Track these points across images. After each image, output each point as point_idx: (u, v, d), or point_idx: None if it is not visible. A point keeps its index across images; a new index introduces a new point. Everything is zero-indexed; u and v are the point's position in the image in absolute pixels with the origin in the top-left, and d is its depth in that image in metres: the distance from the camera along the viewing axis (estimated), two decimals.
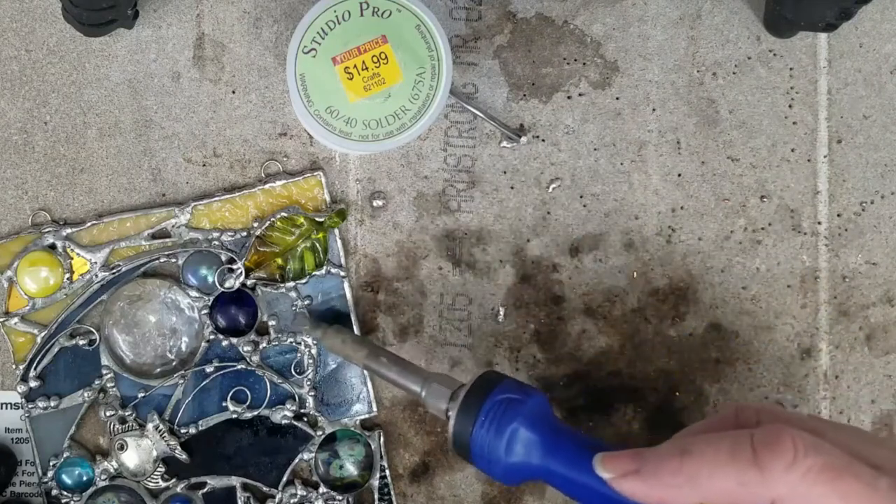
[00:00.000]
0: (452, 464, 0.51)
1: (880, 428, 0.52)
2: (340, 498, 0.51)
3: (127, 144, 0.51)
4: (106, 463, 0.50)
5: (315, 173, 0.51)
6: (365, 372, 0.51)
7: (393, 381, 0.46)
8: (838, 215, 0.52)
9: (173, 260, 0.50)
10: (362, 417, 0.51)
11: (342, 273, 0.51)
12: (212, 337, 0.50)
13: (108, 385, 0.50)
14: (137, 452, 0.50)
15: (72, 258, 0.50)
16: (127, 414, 0.50)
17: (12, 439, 0.51)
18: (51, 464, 0.50)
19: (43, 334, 0.50)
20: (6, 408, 0.51)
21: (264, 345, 0.50)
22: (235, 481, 0.50)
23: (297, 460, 0.51)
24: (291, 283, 0.50)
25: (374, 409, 0.51)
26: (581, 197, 0.52)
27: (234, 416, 0.50)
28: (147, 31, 0.51)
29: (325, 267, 0.50)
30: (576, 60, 0.52)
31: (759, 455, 0.36)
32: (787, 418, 0.40)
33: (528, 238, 0.51)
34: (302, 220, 0.50)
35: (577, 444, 0.41)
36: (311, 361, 0.51)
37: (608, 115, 0.52)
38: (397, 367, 0.46)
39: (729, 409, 0.41)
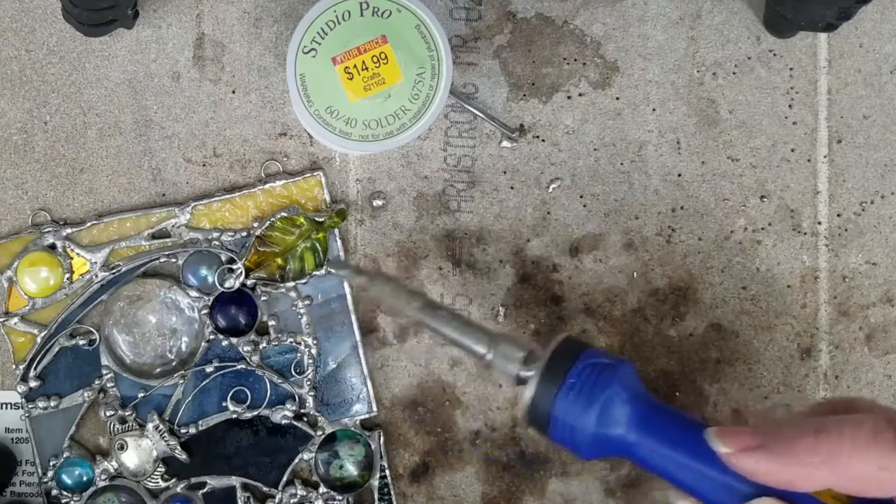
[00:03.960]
0: (452, 464, 0.51)
1: None
2: (340, 498, 0.51)
3: (127, 144, 0.51)
4: (106, 463, 0.50)
5: (315, 173, 0.51)
6: (365, 371, 0.51)
7: (451, 340, 0.42)
8: (838, 215, 0.52)
9: (173, 260, 0.50)
10: (362, 417, 0.51)
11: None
12: (212, 337, 0.50)
13: (108, 385, 0.50)
14: (137, 452, 0.50)
15: (72, 258, 0.50)
16: (127, 414, 0.50)
17: (12, 439, 0.51)
18: (51, 464, 0.50)
19: (43, 334, 0.50)
20: (6, 408, 0.51)
21: (264, 345, 0.50)
22: (235, 481, 0.50)
23: (297, 460, 0.51)
24: (291, 283, 0.50)
25: (374, 409, 0.51)
26: (581, 197, 0.52)
27: (234, 416, 0.50)
28: (147, 31, 0.51)
29: (325, 267, 0.50)
30: (576, 60, 0.52)
31: None
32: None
33: (528, 238, 0.51)
34: (302, 220, 0.50)
35: (679, 419, 0.39)
36: (311, 361, 0.51)
37: (608, 115, 0.52)
38: (458, 324, 0.42)
39: (839, 400, 0.39)
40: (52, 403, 0.50)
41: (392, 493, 0.51)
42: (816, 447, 0.35)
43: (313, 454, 0.51)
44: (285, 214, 0.50)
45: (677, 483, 0.38)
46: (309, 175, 0.51)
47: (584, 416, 0.38)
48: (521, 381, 0.40)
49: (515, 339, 0.41)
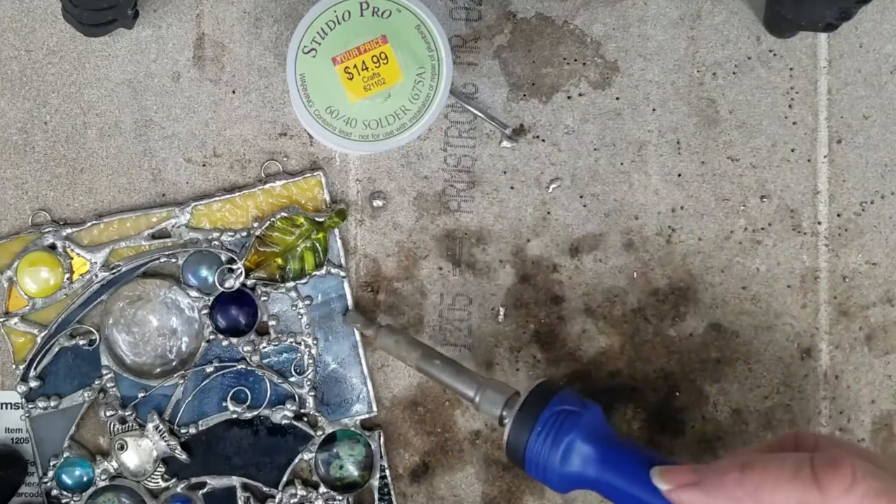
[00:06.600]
0: (452, 464, 0.51)
1: (880, 428, 0.52)
2: (340, 498, 0.51)
3: (127, 144, 0.51)
4: (106, 463, 0.50)
5: (315, 173, 0.51)
6: (365, 371, 0.51)
7: (446, 385, 0.47)
8: (838, 215, 0.52)
9: (173, 260, 0.50)
10: (362, 417, 0.51)
11: (342, 273, 0.51)
12: (212, 337, 0.50)
13: (108, 385, 0.50)
14: (137, 452, 0.50)
15: (72, 258, 0.50)
16: (127, 414, 0.50)
17: (12, 439, 0.51)
18: (51, 464, 0.50)
19: (43, 334, 0.50)
20: (6, 408, 0.51)
21: (264, 345, 0.50)
22: (235, 481, 0.50)
23: (297, 460, 0.51)
24: (291, 283, 0.50)
25: (374, 409, 0.51)
26: (581, 197, 0.52)
27: (234, 416, 0.50)
28: (147, 31, 0.51)
29: (325, 267, 0.50)
30: (576, 60, 0.52)
31: (820, 476, 0.37)
32: (844, 446, 0.42)
33: (528, 238, 0.51)
34: (302, 220, 0.50)
35: (633, 458, 0.43)
36: (311, 361, 0.51)
37: (608, 115, 0.52)
38: (451, 370, 0.47)
39: (788, 435, 0.43)
40: (52, 403, 0.50)
41: (392, 493, 0.51)
42: (742, 481, 0.38)
43: (313, 454, 0.51)
44: (285, 214, 0.50)
45: None
46: (309, 175, 0.51)
47: (551, 457, 0.43)
48: (503, 423, 0.45)
49: (500, 385, 0.46)
